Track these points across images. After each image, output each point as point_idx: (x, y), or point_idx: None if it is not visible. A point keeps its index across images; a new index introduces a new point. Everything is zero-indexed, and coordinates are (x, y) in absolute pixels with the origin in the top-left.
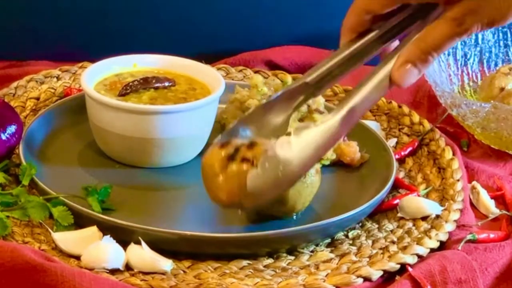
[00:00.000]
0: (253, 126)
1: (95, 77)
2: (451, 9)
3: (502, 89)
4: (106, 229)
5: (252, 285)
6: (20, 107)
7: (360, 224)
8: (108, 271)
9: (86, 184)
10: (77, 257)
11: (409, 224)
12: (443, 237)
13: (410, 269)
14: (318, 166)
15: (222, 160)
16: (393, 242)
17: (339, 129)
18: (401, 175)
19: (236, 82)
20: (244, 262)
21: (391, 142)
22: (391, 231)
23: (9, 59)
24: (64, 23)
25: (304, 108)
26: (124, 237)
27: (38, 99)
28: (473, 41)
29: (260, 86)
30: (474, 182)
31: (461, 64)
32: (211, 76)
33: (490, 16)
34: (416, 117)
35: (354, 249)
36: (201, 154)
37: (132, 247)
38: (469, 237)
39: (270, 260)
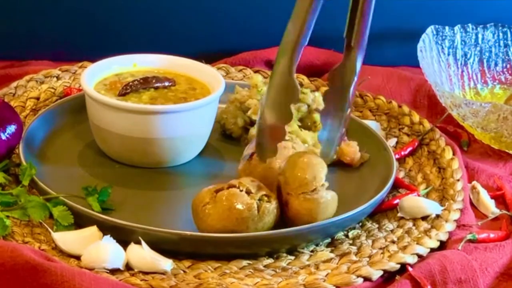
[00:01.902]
0: None
1: (95, 77)
2: None
3: None
4: (106, 229)
5: (252, 285)
6: (20, 107)
7: (360, 224)
8: (108, 271)
9: (86, 184)
10: (77, 257)
11: (409, 224)
12: (443, 237)
13: (410, 269)
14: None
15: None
16: (393, 242)
17: None
18: (401, 175)
19: (236, 82)
20: (244, 262)
21: (391, 142)
22: (391, 231)
23: (9, 59)
24: (64, 23)
25: (304, 108)
26: (124, 237)
27: (38, 99)
28: (473, 41)
29: (260, 86)
30: (474, 182)
31: (461, 64)
32: (211, 76)
33: None
34: (416, 117)
35: (354, 249)
36: (201, 154)
37: (132, 247)
38: (469, 237)
39: (270, 260)
